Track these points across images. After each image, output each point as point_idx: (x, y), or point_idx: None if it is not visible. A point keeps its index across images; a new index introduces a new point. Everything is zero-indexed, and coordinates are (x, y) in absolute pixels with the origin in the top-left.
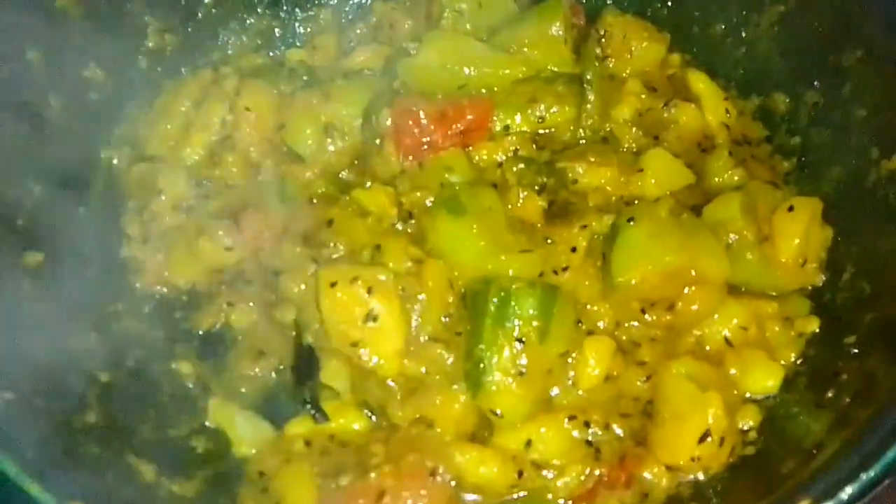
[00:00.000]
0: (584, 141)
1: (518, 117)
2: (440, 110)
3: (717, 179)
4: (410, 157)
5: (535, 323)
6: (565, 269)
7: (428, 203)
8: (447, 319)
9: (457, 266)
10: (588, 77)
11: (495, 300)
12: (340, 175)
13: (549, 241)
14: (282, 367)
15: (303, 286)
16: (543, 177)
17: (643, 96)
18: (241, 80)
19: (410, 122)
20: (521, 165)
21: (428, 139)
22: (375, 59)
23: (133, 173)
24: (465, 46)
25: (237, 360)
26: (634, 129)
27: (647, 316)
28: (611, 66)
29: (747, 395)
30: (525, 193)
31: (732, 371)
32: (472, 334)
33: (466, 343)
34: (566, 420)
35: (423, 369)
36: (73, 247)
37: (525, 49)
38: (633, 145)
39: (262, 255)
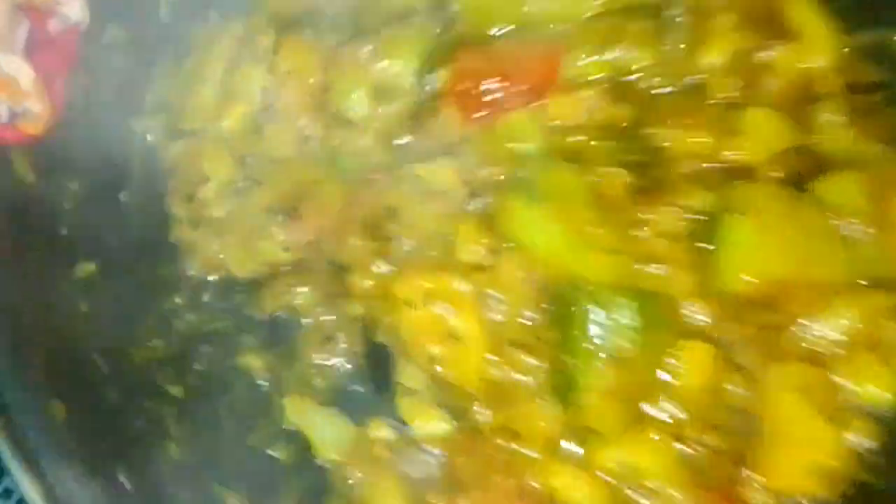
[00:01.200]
0: (668, 91)
1: (592, 63)
2: (505, 64)
3: (824, 138)
4: (473, 119)
5: (629, 334)
6: (656, 261)
7: (500, 177)
8: (528, 322)
9: (536, 259)
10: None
11: (584, 309)
12: (396, 142)
13: (636, 225)
14: (354, 353)
15: (369, 283)
16: (627, 151)
17: (737, 35)
18: (279, 33)
19: (471, 83)
20: (601, 138)
21: (492, 98)
22: None
23: (172, 153)
24: None
25: (305, 346)
26: (726, 77)
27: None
28: None
29: (862, 406)
30: (608, 170)
31: (841, 378)
32: (559, 345)
33: (552, 353)
34: (664, 436)
35: (506, 375)
36: (122, 242)
37: None
38: (723, 97)
39: (323, 247)
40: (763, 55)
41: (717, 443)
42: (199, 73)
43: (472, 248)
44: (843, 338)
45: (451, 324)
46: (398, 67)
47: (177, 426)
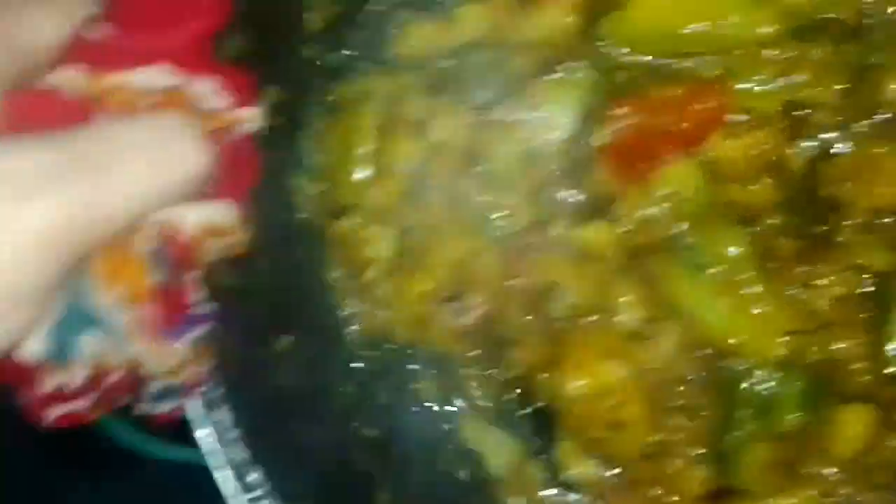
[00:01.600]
0: (853, 128)
1: (765, 95)
2: (664, 108)
3: None
4: (632, 173)
5: (794, 407)
6: (826, 328)
7: (659, 238)
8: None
9: (699, 331)
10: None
11: (749, 385)
12: (549, 200)
13: (806, 288)
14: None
15: (532, 356)
16: (802, 204)
17: None
18: (429, 95)
19: (629, 134)
20: (772, 188)
21: (651, 148)
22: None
23: (334, 232)
24: None
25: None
26: None
27: None
28: None
29: None
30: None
31: None
32: (722, 422)
33: (711, 425)
34: (817, 496)
35: (662, 436)
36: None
37: None
38: None
39: (488, 328)
40: None
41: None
42: (350, 143)
43: (631, 317)
44: None
45: (617, 413)
46: (549, 121)
47: (385, 477)
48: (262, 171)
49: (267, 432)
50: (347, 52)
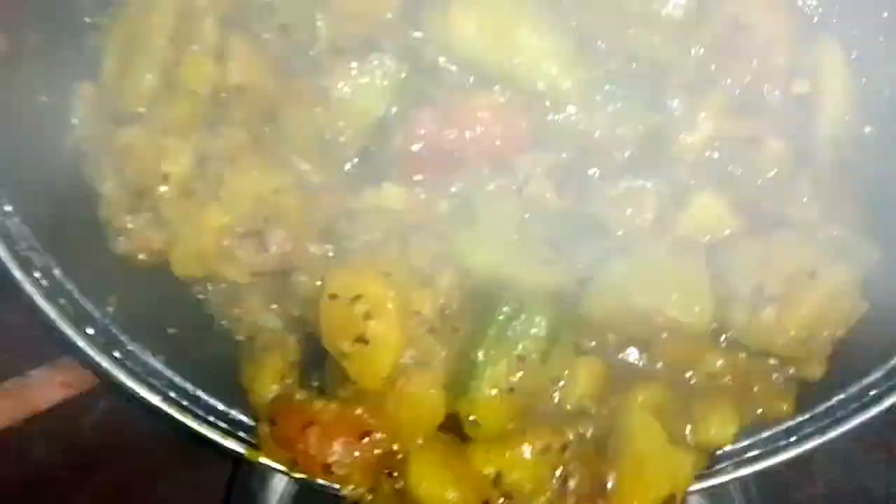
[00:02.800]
0: None
1: None
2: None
3: None
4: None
5: (541, 343)
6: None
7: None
8: (448, 313)
9: (471, 270)
10: None
11: (506, 310)
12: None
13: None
14: None
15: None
16: None
17: None
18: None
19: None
20: None
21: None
22: None
23: (114, 143)
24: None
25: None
26: None
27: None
28: None
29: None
30: None
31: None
32: (472, 337)
33: (462, 343)
34: (539, 446)
35: (409, 358)
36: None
37: None
38: None
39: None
40: None
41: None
42: (137, 47)
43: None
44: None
45: (364, 331)
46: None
47: None
48: None
49: None
50: None
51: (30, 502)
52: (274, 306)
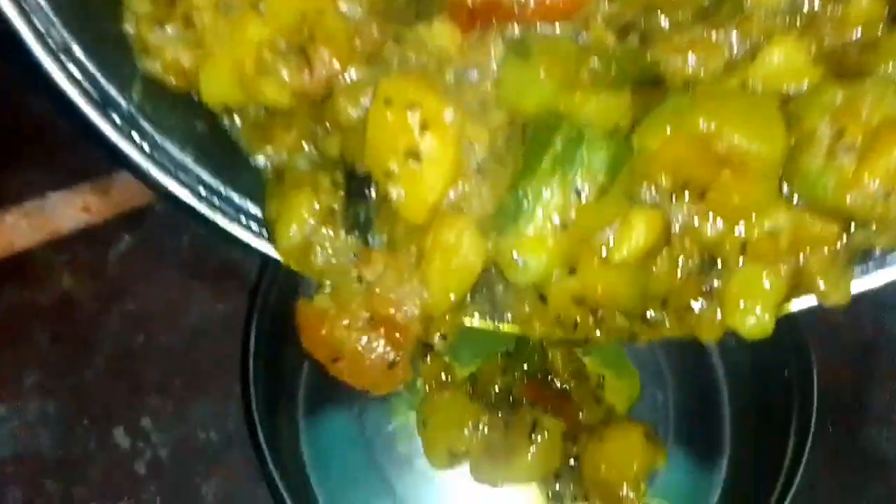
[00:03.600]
0: None
1: None
2: None
3: None
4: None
5: (599, 178)
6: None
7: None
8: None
9: (523, 109)
10: None
11: (563, 139)
12: None
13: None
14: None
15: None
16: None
17: None
18: None
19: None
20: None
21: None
22: None
23: None
24: None
25: None
26: None
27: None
28: None
29: None
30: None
31: None
32: (525, 168)
33: (512, 176)
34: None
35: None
36: None
37: None
38: None
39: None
40: None
41: None
42: None
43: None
44: None
45: (418, 143)
46: None
47: None
48: None
49: None
50: None
51: (59, 323)
52: (308, 147)
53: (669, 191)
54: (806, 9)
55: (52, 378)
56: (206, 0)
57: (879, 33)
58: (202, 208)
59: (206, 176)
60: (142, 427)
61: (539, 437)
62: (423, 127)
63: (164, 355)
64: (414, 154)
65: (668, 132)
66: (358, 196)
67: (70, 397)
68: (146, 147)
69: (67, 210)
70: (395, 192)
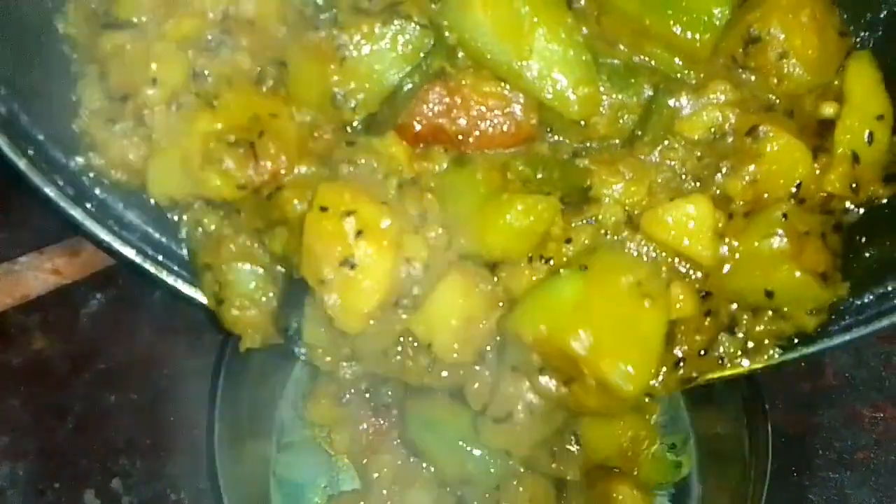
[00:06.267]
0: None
1: None
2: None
3: None
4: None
5: None
6: None
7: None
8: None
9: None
10: None
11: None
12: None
13: None
14: None
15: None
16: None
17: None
18: None
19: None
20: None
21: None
22: None
23: (103, 44)
24: None
25: None
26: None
27: None
28: None
29: None
30: None
31: None
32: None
33: None
34: None
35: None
36: None
37: None
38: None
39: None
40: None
41: None
42: None
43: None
44: None
45: (353, 252)
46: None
47: None
48: None
49: None
50: None
51: (31, 385)
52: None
53: (538, 368)
54: None
55: (23, 440)
56: (158, 96)
57: None
58: (147, 266)
59: (151, 231)
60: (112, 488)
61: None
62: (359, 234)
63: (134, 414)
64: (348, 263)
65: (543, 332)
66: (293, 307)
67: (40, 460)
68: (90, 206)
69: (38, 273)
70: (330, 299)
